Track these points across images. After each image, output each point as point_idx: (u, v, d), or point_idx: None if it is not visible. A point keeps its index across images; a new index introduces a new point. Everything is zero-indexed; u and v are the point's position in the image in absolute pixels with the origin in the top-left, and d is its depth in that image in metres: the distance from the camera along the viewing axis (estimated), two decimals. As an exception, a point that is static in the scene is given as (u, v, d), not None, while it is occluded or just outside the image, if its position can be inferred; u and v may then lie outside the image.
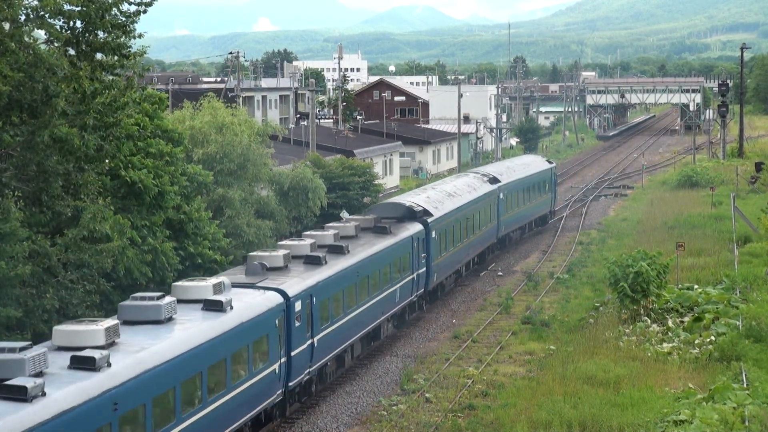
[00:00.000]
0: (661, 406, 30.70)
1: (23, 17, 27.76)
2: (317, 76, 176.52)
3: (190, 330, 25.39)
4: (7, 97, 27.16)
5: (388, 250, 40.18)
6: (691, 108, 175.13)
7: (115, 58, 28.87)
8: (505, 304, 47.75)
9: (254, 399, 28.17)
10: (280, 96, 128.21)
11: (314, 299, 32.32)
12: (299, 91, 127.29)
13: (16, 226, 28.35)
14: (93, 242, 30.59)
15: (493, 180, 60.17)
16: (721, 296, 43.80)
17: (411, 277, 43.08)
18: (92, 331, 22.70)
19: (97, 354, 21.55)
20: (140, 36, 29.51)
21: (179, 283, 28.49)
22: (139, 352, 23.04)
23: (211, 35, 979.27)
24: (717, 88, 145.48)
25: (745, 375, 33.18)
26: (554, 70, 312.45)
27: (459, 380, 35.95)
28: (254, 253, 34.20)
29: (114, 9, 28.49)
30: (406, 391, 34.95)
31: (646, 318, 41.41)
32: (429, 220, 45.96)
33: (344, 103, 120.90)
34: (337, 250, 36.49)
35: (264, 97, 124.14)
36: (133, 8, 28.83)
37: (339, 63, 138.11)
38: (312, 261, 34.42)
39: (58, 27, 28.15)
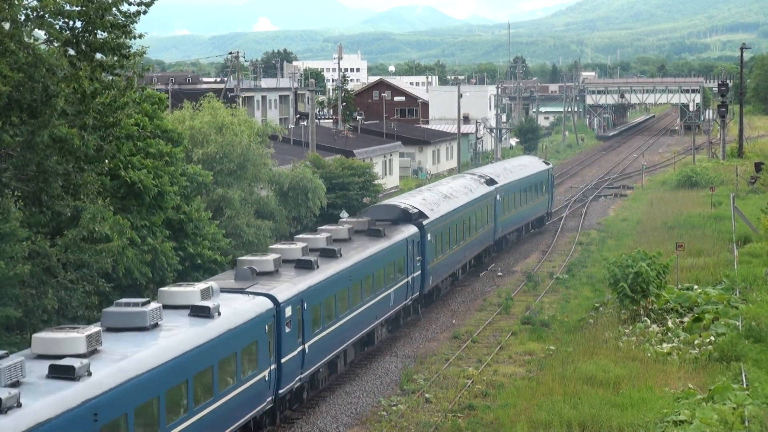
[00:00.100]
0: (660, 407, 30.71)
1: (23, 17, 27.74)
2: (317, 76, 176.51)
3: (175, 337, 24.76)
4: (6, 97, 27.15)
5: (382, 254, 39.60)
6: (691, 108, 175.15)
7: (115, 58, 28.84)
8: (505, 304, 47.74)
9: (243, 407, 27.62)
10: (280, 96, 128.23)
11: (305, 304, 31.77)
12: (299, 92, 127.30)
13: (15, 226, 28.35)
14: (93, 242, 30.58)
15: (490, 181, 59.74)
16: (721, 296, 43.81)
17: (406, 280, 42.55)
18: (72, 338, 22.06)
19: (76, 363, 20.92)
20: (140, 36, 29.48)
21: (166, 288, 27.90)
22: (122, 360, 22.45)
23: (211, 35, 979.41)
24: (717, 89, 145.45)
25: (745, 375, 33.19)
26: (554, 70, 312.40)
27: (459, 380, 35.95)
28: (244, 258, 33.67)
29: (114, 9, 28.46)
30: (406, 392, 34.95)
31: (646, 318, 41.42)
32: (424, 222, 45.50)
33: (344, 103, 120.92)
34: (329, 254, 35.95)
35: (264, 98, 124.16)
36: (133, 8, 28.81)
37: (339, 63, 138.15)
38: (303, 265, 33.78)
39: (57, 27, 28.12)
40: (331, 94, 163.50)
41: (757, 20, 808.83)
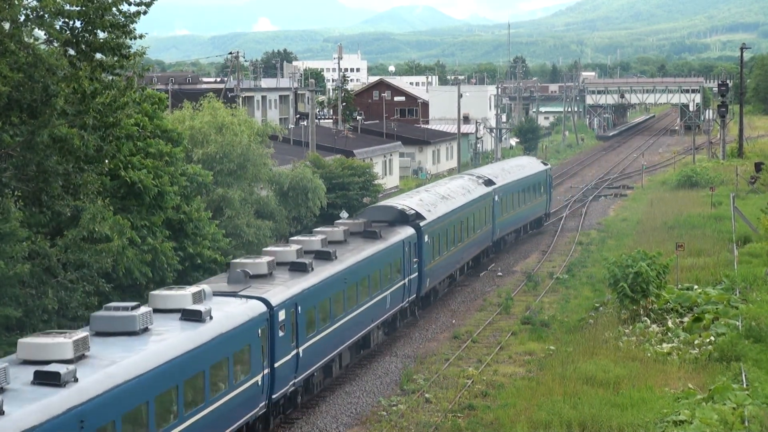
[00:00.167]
0: (660, 407, 30.72)
1: (23, 17, 27.74)
2: (317, 76, 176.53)
3: (165, 341, 24.28)
4: (6, 97, 27.15)
5: (378, 256, 39.13)
6: (691, 108, 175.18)
7: (115, 58, 28.83)
8: (505, 304, 47.74)
9: (235, 412, 27.15)
10: (280, 96, 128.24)
11: (299, 308, 31.37)
12: (299, 92, 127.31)
13: (15, 226, 28.35)
14: (93, 242, 30.57)
15: (488, 182, 59.34)
16: (721, 296, 43.81)
17: (402, 282, 42.14)
18: (59, 344, 21.61)
19: (62, 368, 20.48)
20: (141, 37, 29.46)
21: (157, 292, 27.43)
22: (110, 365, 21.99)
23: (211, 35, 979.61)
24: (717, 89, 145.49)
25: (745, 375, 33.20)
26: (554, 70, 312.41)
27: (459, 380, 35.95)
28: (237, 260, 33.14)
29: (114, 9, 28.46)
30: (406, 392, 34.95)
31: (646, 318, 41.42)
32: (421, 223, 45.07)
33: (344, 103, 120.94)
34: (324, 256, 35.53)
35: (264, 98, 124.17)
36: (133, 9, 28.81)
37: (339, 63, 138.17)
38: (298, 268, 33.32)
39: (57, 27, 28.12)
40: (331, 94, 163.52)
41: (757, 20, 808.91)
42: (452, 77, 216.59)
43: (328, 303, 34.11)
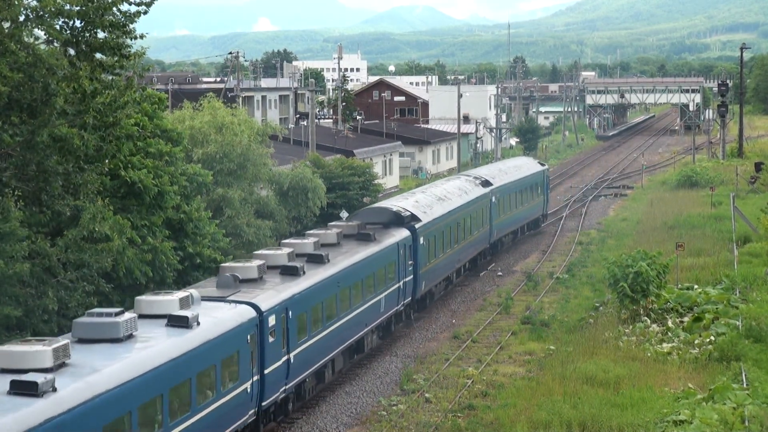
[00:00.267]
0: (660, 407, 30.72)
1: (23, 17, 27.75)
2: (317, 76, 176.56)
3: (150, 349, 23.57)
4: (6, 97, 27.17)
5: (371, 258, 38.54)
6: (691, 108, 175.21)
7: (115, 58, 28.83)
8: (505, 304, 47.74)
9: (223, 421, 26.42)
10: (280, 96, 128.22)
11: (290, 312, 30.74)
12: (299, 91, 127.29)
13: (15, 226, 28.35)
14: (93, 242, 30.57)
15: (486, 183, 58.87)
16: (721, 296, 43.81)
17: (397, 285, 41.52)
18: (37, 352, 20.82)
19: (40, 378, 19.71)
20: (141, 37, 29.45)
21: (143, 297, 26.72)
22: (91, 374, 21.25)
23: (211, 35, 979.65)
24: (717, 88, 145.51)
25: (745, 375, 33.20)
26: (554, 70, 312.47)
27: (459, 380, 35.95)
28: (226, 264, 32.64)
29: (114, 9, 28.47)
30: (406, 391, 34.95)
31: (646, 318, 41.42)
32: (417, 225, 44.53)
33: (344, 103, 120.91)
34: (316, 260, 34.90)
35: (264, 97, 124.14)
36: (133, 9, 28.82)
37: (339, 63, 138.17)
38: (289, 272, 32.72)
39: (57, 27, 28.13)
40: (331, 94, 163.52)
41: (757, 20, 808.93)
42: (452, 77, 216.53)
43: (320, 307, 33.49)
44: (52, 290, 29.58)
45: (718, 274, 49.33)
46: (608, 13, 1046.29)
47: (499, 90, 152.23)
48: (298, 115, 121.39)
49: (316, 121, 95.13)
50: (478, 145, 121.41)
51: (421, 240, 44.67)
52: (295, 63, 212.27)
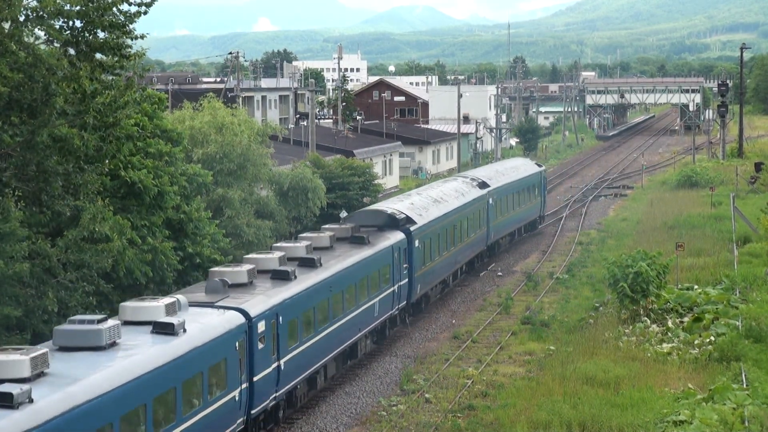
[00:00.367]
0: (660, 407, 30.72)
1: (23, 17, 27.76)
2: (317, 76, 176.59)
3: (134, 357, 22.79)
4: (6, 97, 27.18)
5: (365, 262, 37.79)
6: (691, 108, 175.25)
7: (115, 58, 28.84)
8: (505, 304, 47.75)
9: (210, 430, 25.59)
10: (280, 96, 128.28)
11: (280, 318, 30.00)
12: (299, 92, 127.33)
13: (15, 226, 28.36)
14: (93, 242, 30.57)
15: (483, 184, 58.31)
16: (721, 296, 43.82)
17: (392, 289, 40.81)
18: (14, 361, 19.94)
19: (16, 388, 18.88)
20: (141, 37, 29.44)
21: (127, 303, 25.98)
22: (71, 384, 20.45)
23: (211, 35, 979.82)
24: (717, 89, 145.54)
25: (745, 375, 33.20)
26: (554, 70, 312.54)
27: (459, 380, 35.96)
28: (215, 269, 31.86)
29: (114, 9, 28.48)
30: (406, 392, 34.95)
31: (646, 318, 41.42)
32: (412, 228, 43.79)
33: (344, 103, 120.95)
34: (308, 264, 34.10)
35: (264, 98, 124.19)
36: (133, 9, 28.82)
37: (339, 63, 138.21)
38: (279, 276, 31.97)
39: (57, 27, 28.14)
40: (331, 94, 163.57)
41: (757, 20, 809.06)
42: (452, 77, 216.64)
43: (312, 312, 32.85)
44: (52, 290, 29.57)
45: (718, 274, 49.34)
46: (608, 13, 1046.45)
47: (499, 90, 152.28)
48: (298, 116, 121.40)
49: (316, 121, 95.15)
50: (478, 145, 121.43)
51: (417, 243, 44.02)
52: (295, 63, 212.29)
